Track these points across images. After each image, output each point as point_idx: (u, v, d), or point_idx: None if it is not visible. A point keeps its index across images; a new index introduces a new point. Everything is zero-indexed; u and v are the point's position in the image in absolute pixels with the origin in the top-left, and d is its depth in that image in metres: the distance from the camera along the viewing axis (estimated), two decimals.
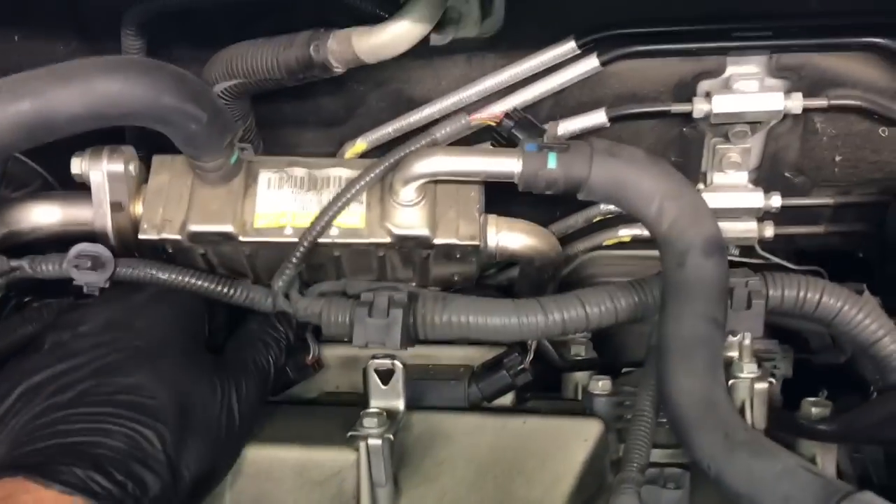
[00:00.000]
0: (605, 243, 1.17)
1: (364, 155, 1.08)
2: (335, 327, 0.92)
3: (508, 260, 1.00)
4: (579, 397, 1.08)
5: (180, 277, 0.94)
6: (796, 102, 0.97)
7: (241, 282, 0.97)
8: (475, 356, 1.04)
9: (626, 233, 1.15)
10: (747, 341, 0.89)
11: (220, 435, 0.86)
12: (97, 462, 0.73)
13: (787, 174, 1.09)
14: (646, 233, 1.13)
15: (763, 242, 1.13)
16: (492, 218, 0.98)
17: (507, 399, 1.00)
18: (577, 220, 1.15)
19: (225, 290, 0.95)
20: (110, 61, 0.79)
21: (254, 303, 0.96)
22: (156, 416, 0.80)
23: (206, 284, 0.95)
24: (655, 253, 1.10)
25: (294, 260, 0.91)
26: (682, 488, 0.77)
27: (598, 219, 1.14)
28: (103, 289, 0.92)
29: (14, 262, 0.92)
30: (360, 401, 0.95)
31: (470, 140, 1.01)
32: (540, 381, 1.07)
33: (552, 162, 0.86)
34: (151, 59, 0.90)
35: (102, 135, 0.93)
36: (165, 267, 0.94)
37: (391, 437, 0.84)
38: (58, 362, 0.83)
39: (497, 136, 0.94)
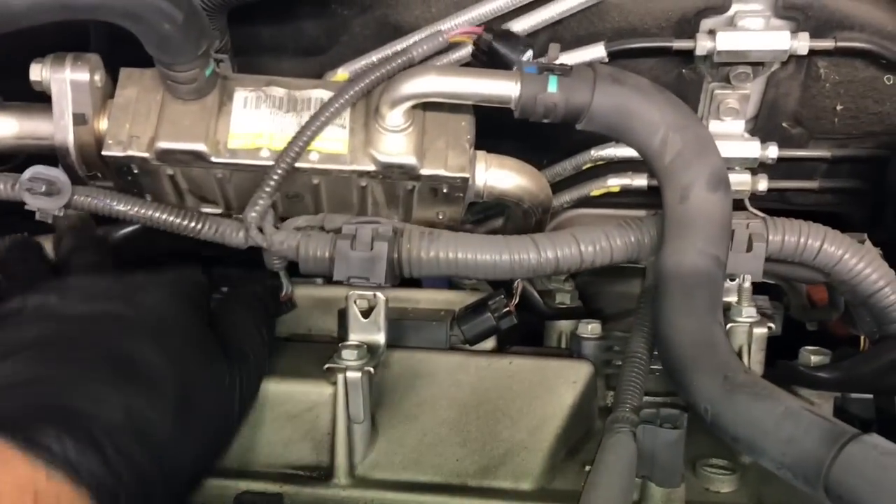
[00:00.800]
0: (592, 194, 1.13)
1: None
2: (314, 262, 0.86)
3: (496, 200, 0.95)
4: (563, 346, 1.04)
5: (143, 211, 0.87)
6: (802, 43, 0.93)
7: (209, 215, 0.90)
8: (456, 300, 0.99)
9: (614, 182, 1.11)
10: (747, 284, 0.85)
11: (220, 423, 0.77)
12: (89, 433, 0.59)
13: (784, 124, 1.05)
14: (636, 182, 1.10)
15: (754, 197, 1.09)
16: (481, 154, 0.93)
17: (489, 345, 0.95)
18: (565, 167, 1.10)
19: (192, 224, 0.88)
20: None
21: (224, 237, 0.89)
22: (160, 394, 0.68)
23: (170, 218, 0.88)
24: (638, 212, 1.08)
25: (269, 187, 0.85)
26: (680, 429, 0.72)
27: (587, 166, 1.10)
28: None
29: None
30: (333, 341, 0.90)
31: None
32: (521, 331, 1.03)
33: (553, 86, 0.81)
34: None
35: (63, 48, 0.87)
36: (126, 198, 0.88)
37: (371, 370, 0.78)
38: (45, 321, 0.70)
39: (478, 54, 0.89)
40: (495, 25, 0.96)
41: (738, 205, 1.09)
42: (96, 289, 0.76)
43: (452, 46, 0.95)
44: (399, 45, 0.99)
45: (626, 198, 1.13)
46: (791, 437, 0.67)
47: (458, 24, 0.96)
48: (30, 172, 0.83)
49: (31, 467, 0.55)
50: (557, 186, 1.13)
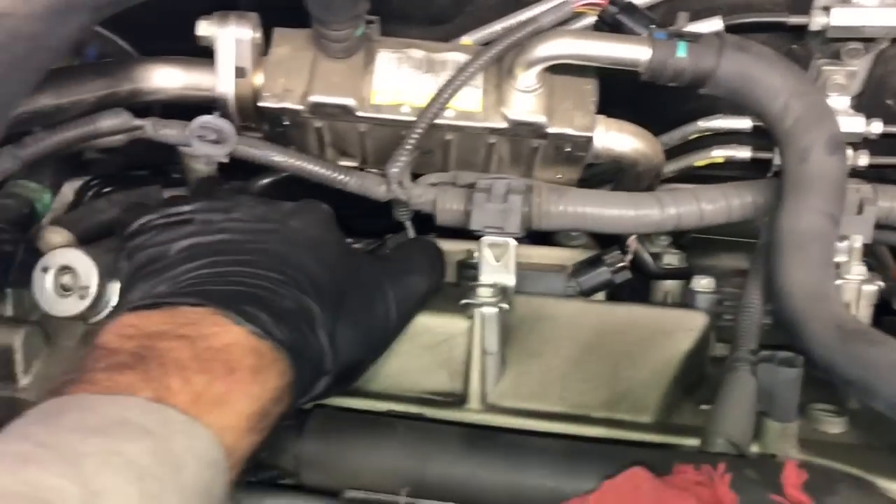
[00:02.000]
0: (696, 164, 1.18)
1: None
2: (450, 214, 0.93)
3: (612, 162, 1.01)
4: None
5: (297, 162, 0.95)
6: None
7: (354, 170, 0.98)
8: (568, 257, 1.05)
9: (719, 153, 1.16)
10: (857, 244, 0.90)
11: (373, 333, 0.82)
12: (278, 314, 0.69)
13: (889, 101, 1.09)
14: (740, 154, 1.15)
15: (854, 174, 1.13)
16: (601, 117, 0.98)
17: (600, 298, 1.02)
18: (672, 136, 1.15)
19: (339, 176, 0.96)
20: None
21: (367, 189, 0.97)
22: (320, 294, 0.74)
23: (321, 170, 0.96)
24: None
25: (409, 146, 0.92)
26: (798, 367, 0.78)
27: (694, 136, 1.15)
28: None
29: (137, 121, 0.93)
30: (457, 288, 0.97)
31: None
32: (627, 293, 1.09)
33: (682, 51, 0.87)
34: None
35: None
36: (283, 150, 0.96)
37: (506, 306, 0.85)
38: (217, 233, 0.76)
39: (601, 25, 0.95)
40: None
41: None
42: (254, 211, 0.80)
43: (577, 16, 1.01)
44: (522, 16, 1.05)
45: (728, 171, 1.18)
46: None
47: None
48: (200, 121, 0.91)
49: (246, 332, 0.66)
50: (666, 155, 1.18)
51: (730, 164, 1.16)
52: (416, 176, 1.02)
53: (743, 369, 0.78)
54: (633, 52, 0.89)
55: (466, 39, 1.08)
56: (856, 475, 0.73)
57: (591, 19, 1.00)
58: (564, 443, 0.74)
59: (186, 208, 0.79)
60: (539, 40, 0.91)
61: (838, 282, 0.89)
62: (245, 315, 0.66)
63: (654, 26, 0.92)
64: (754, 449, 0.80)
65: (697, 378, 0.89)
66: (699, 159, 1.17)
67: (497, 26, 1.07)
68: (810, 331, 0.80)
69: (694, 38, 0.87)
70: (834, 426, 0.83)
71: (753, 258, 0.92)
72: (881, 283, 0.89)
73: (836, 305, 0.82)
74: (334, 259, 0.80)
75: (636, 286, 1.12)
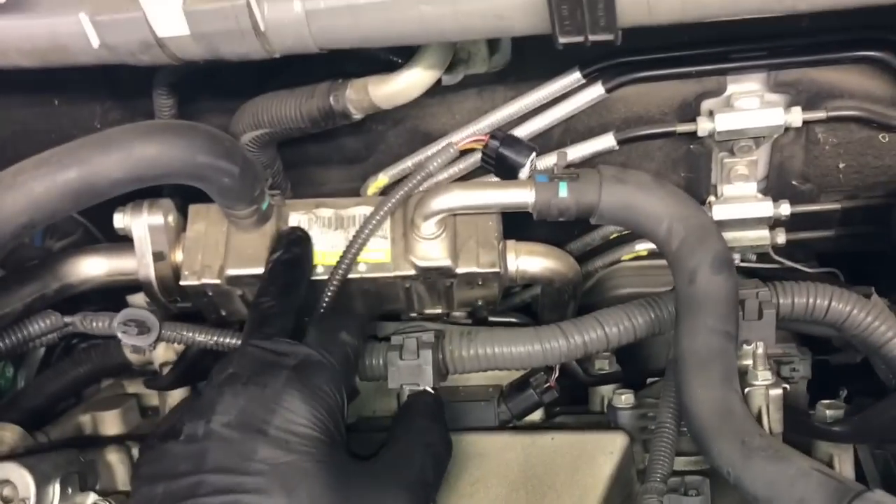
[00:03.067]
0: (623, 258, 1.22)
1: (386, 188, 1.13)
2: (372, 370, 0.99)
3: (529, 282, 1.05)
4: (605, 410, 1.12)
5: (222, 339, 1.00)
6: (796, 116, 1.00)
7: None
8: (503, 375, 1.08)
9: (642, 247, 1.19)
10: (760, 350, 0.93)
11: None
12: None
13: (794, 182, 1.12)
14: None
15: (778, 248, 1.16)
16: (511, 244, 1.03)
17: (537, 415, 1.05)
18: (594, 237, 1.19)
19: None
20: (147, 127, 0.85)
21: None
22: None
23: None
24: None
25: (325, 305, 0.96)
26: (703, 494, 0.81)
27: (614, 235, 1.18)
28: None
29: (67, 319, 0.99)
30: None
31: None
32: (568, 396, 1.12)
33: (563, 191, 0.91)
34: (184, 121, 0.96)
35: (140, 189, 1.00)
36: (207, 330, 1.01)
37: None
38: (186, 463, 0.73)
39: (486, 159, 0.99)
40: (512, 126, 1.07)
41: (764, 257, 1.18)
42: (234, 410, 0.75)
43: (465, 153, 1.06)
44: (431, 150, 1.10)
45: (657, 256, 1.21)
46: (802, 497, 0.74)
47: (479, 128, 1.07)
48: (123, 315, 0.97)
49: None
50: (590, 253, 1.22)
51: (656, 253, 1.20)
52: None
53: (651, 501, 0.81)
54: (518, 196, 0.93)
55: (382, 177, 1.13)
56: None
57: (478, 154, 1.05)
58: None
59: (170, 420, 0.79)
60: (432, 194, 0.95)
61: (745, 389, 0.92)
62: None
63: (530, 161, 0.96)
64: None
65: (625, 498, 0.92)
66: (625, 253, 1.21)
67: (408, 162, 1.12)
68: (717, 449, 0.83)
69: (574, 177, 0.91)
70: None
71: (665, 373, 0.95)
72: (786, 387, 0.92)
73: (740, 420, 0.84)
74: (317, 489, 0.73)
75: (576, 390, 1.16)
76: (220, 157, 0.85)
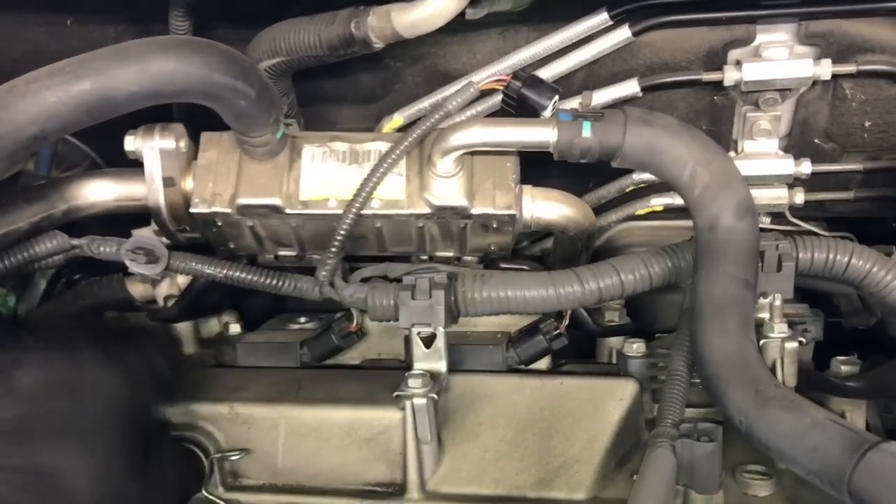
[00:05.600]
0: (637, 213, 1.20)
1: (401, 129, 1.11)
2: (381, 311, 0.96)
3: (543, 230, 1.03)
4: (613, 362, 1.11)
5: (230, 272, 0.98)
6: (825, 69, 0.98)
7: (288, 274, 1.01)
8: (511, 323, 1.07)
9: (658, 202, 1.18)
10: (778, 302, 0.92)
11: None
12: None
13: (816, 141, 1.10)
14: (678, 201, 1.17)
15: (794, 209, 1.15)
16: (527, 188, 1.01)
17: (543, 364, 1.04)
18: (609, 190, 1.17)
19: (273, 282, 1.00)
20: (164, 41, 0.83)
21: (302, 293, 1.00)
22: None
23: (255, 278, 0.99)
24: (686, 223, 1.15)
25: (336, 246, 0.95)
26: (715, 441, 0.80)
27: (630, 188, 1.16)
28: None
29: (74, 241, 0.97)
30: (401, 367, 0.99)
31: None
32: (575, 348, 1.11)
33: (587, 130, 0.89)
34: (203, 38, 0.93)
35: (150, 115, 0.98)
36: (215, 262, 0.99)
37: (435, 396, 0.88)
38: None
39: (507, 100, 0.97)
40: (534, 69, 1.04)
41: (778, 217, 1.17)
42: (41, 372, 0.79)
43: (485, 95, 1.03)
44: (448, 90, 1.08)
45: (671, 214, 1.20)
46: (817, 446, 0.73)
47: (500, 69, 1.05)
48: (132, 242, 0.95)
49: None
50: (605, 206, 1.20)
51: (670, 210, 1.18)
52: (353, 259, 1.06)
53: (662, 446, 0.80)
54: (540, 135, 0.91)
55: (398, 117, 1.11)
56: None
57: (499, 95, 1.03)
58: None
59: None
60: (452, 130, 0.93)
61: (761, 341, 0.91)
62: None
63: (553, 103, 0.94)
64: None
65: (633, 445, 0.91)
66: (639, 208, 1.19)
67: (425, 102, 1.10)
68: (730, 397, 0.82)
69: (598, 117, 0.89)
70: (762, 489, 0.85)
71: (679, 323, 0.94)
72: (803, 340, 0.90)
73: (755, 370, 0.83)
74: (109, 456, 0.77)
75: (582, 341, 1.15)
76: (237, 77, 0.83)
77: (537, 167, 1.01)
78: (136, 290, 1.18)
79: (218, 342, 1.11)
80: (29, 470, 0.72)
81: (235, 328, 1.12)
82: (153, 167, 0.97)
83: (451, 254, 1.08)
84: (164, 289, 1.15)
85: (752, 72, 1.00)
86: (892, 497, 0.67)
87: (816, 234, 1.14)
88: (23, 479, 0.70)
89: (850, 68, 0.99)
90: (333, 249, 0.94)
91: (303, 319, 1.17)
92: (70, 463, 0.74)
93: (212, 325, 1.20)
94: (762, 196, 1.12)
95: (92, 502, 0.73)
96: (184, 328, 1.15)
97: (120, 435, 0.79)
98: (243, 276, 0.97)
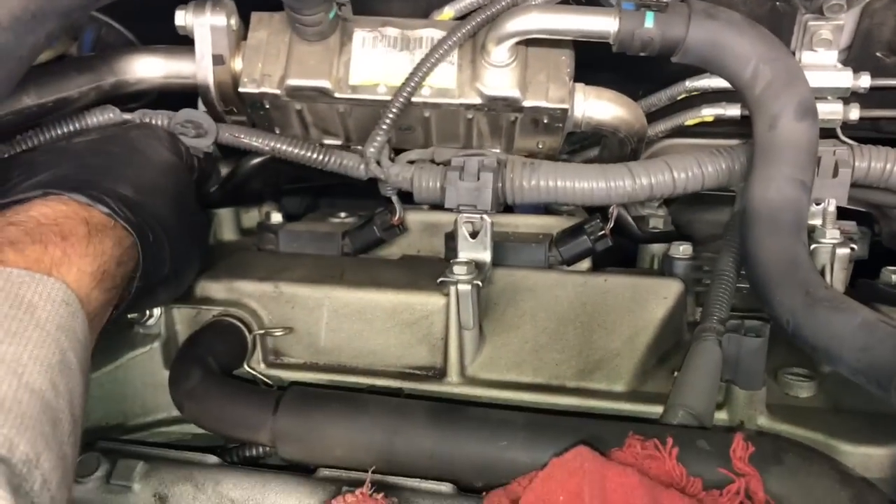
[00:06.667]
0: (687, 123, 1.17)
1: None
2: (426, 192, 0.95)
3: (594, 130, 1.01)
4: (656, 268, 1.10)
5: (278, 144, 0.98)
6: None
7: (334, 149, 1.00)
8: (553, 225, 1.07)
9: (708, 112, 1.15)
10: (832, 208, 0.90)
11: (201, 244, 0.96)
12: (124, 199, 0.78)
13: (878, 54, 1.07)
14: (729, 112, 1.14)
15: (846, 127, 1.12)
16: (580, 86, 0.99)
17: (585, 266, 1.03)
18: (660, 97, 1.15)
19: (320, 157, 0.99)
20: None
21: (347, 169, 0.99)
22: (161, 185, 0.86)
23: (301, 152, 0.98)
24: (732, 142, 1.13)
25: (385, 126, 0.93)
26: (763, 337, 0.79)
27: (682, 96, 1.14)
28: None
29: (126, 115, 0.96)
30: (441, 263, 0.99)
31: None
32: (616, 255, 1.10)
33: (649, 21, 0.87)
34: None
35: None
36: (264, 134, 0.98)
37: (479, 283, 0.88)
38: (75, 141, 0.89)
39: None
40: None
41: (829, 133, 1.14)
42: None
43: None
44: None
45: (719, 127, 1.17)
46: (866, 346, 0.72)
47: None
48: (182, 116, 0.94)
49: (86, 207, 0.75)
50: (653, 116, 1.18)
51: (720, 121, 1.16)
52: (399, 151, 1.04)
53: (709, 339, 0.80)
54: (601, 24, 0.89)
55: (448, 10, 1.08)
56: (806, 443, 0.74)
57: None
58: (526, 416, 0.76)
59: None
60: (508, 16, 0.91)
61: (812, 246, 0.89)
62: (84, 194, 0.75)
63: None
64: (723, 416, 0.82)
65: (674, 345, 0.91)
66: (689, 118, 1.17)
67: None
68: (779, 298, 0.81)
69: (662, 7, 0.87)
70: (803, 390, 0.85)
71: (728, 224, 0.93)
72: (854, 247, 0.89)
73: (805, 272, 0.82)
74: (176, 162, 0.92)
75: (624, 249, 1.14)
76: None
77: (589, 70, 0.99)
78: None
79: (259, 231, 1.11)
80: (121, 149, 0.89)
81: (277, 217, 1.12)
82: (203, 44, 0.96)
83: (498, 150, 1.06)
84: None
85: None
86: None
87: None
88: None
89: None
90: (384, 126, 0.93)
91: (343, 214, 1.16)
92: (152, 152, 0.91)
93: (252, 215, 1.20)
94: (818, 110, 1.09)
95: (169, 185, 0.89)
96: (224, 214, 1.15)
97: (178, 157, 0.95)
98: (290, 148, 0.97)
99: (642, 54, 0.90)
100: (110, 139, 0.89)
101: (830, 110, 1.09)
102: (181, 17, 0.96)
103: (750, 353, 0.79)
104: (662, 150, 1.26)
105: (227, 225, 1.15)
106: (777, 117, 0.85)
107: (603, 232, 1.00)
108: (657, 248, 1.10)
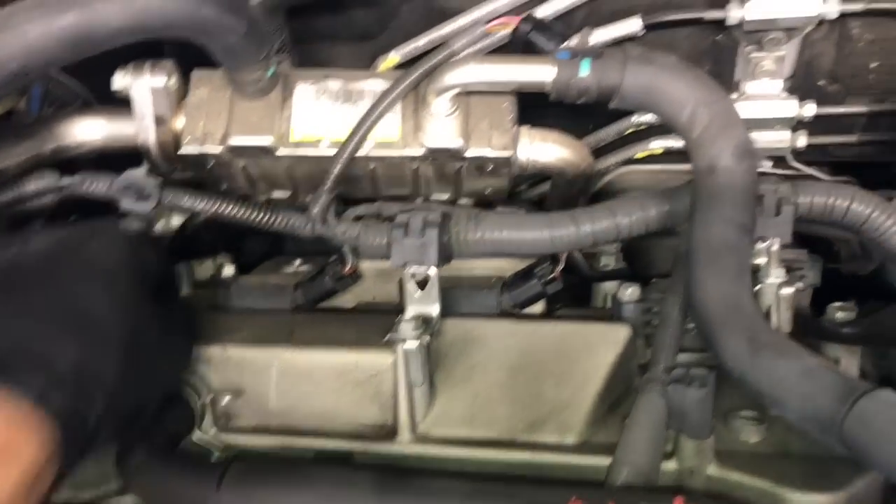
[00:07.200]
0: (636, 156, 1.18)
1: (398, 68, 1.08)
2: (373, 250, 0.95)
3: (540, 172, 1.01)
4: (609, 307, 1.10)
5: (222, 207, 0.97)
6: (832, 7, 0.95)
7: (280, 209, 1.00)
8: (506, 267, 1.06)
9: (657, 145, 1.16)
10: (775, 247, 0.90)
11: (170, 361, 0.88)
12: (52, 373, 0.68)
13: (821, 82, 1.08)
14: (678, 144, 1.15)
15: (796, 153, 1.13)
16: (524, 129, 0.99)
17: (538, 309, 1.03)
18: (608, 132, 1.15)
19: (265, 217, 0.98)
20: None
21: (294, 228, 0.99)
22: (106, 336, 0.74)
23: (246, 212, 0.98)
24: (686, 166, 1.13)
25: (329, 185, 0.93)
26: (707, 386, 0.79)
27: (630, 131, 1.14)
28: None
29: (65, 180, 0.96)
30: (396, 310, 0.98)
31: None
32: (570, 293, 1.10)
33: (585, 69, 0.87)
34: None
35: (140, 53, 0.96)
36: (208, 197, 0.98)
37: (427, 340, 0.87)
38: (5, 268, 0.77)
39: (515, 42, 0.94)
40: (535, 5, 1.01)
41: (780, 160, 1.15)
42: (53, 237, 0.82)
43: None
44: (446, 28, 1.05)
45: (671, 157, 1.18)
46: (809, 393, 0.73)
47: (499, 6, 1.01)
48: (123, 180, 0.94)
49: (16, 402, 0.63)
50: (604, 150, 1.18)
51: (670, 153, 1.16)
52: (346, 201, 1.04)
53: (653, 391, 0.80)
54: (537, 73, 0.89)
55: (394, 56, 1.08)
56: (752, 495, 0.75)
57: (506, 32, 1.00)
58: (470, 484, 0.76)
59: None
60: (447, 68, 0.91)
61: (757, 286, 0.90)
62: (15, 380, 0.64)
63: (564, 43, 0.92)
64: (672, 466, 0.82)
65: (624, 390, 0.91)
66: (638, 151, 1.18)
67: (422, 40, 1.07)
68: (723, 343, 0.81)
69: (597, 55, 0.87)
70: (753, 435, 0.85)
71: (674, 267, 0.93)
72: (800, 286, 0.89)
73: (749, 316, 0.82)
74: (130, 290, 0.80)
75: (577, 286, 1.14)
76: (226, 10, 0.81)
77: (536, 109, 0.99)
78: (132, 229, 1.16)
79: (212, 284, 1.10)
80: (56, 303, 0.74)
81: (229, 270, 1.11)
82: (143, 105, 0.96)
83: (446, 196, 1.06)
84: (161, 229, 1.14)
85: (755, 10, 0.97)
86: (883, 444, 0.67)
87: (817, 179, 1.13)
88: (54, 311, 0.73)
89: (857, 6, 0.96)
90: (329, 184, 0.92)
91: (298, 262, 1.16)
92: (96, 297, 0.77)
93: (206, 267, 1.19)
94: (764, 139, 1.10)
95: (119, 332, 0.76)
96: (177, 269, 1.14)
97: (135, 277, 0.83)
98: (235, 210, 0.96)
99: (580, 101, 0.90)
100: (55, 269, 0.78)
101: (779, 138, 1.11)
102: (119, 80, 0.96)
103: (695, 404, 0.80)
104: (619, 178, 1.26)
105: (179, 280, 1.14)
106: (715, 160, 0.85)
107: (553, 275, 1.00)
108: (609, 286, 1.10)
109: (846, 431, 0.69)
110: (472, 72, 0.90)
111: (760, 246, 0.92)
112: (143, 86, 0.95)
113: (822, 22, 0.99)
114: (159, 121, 0.96)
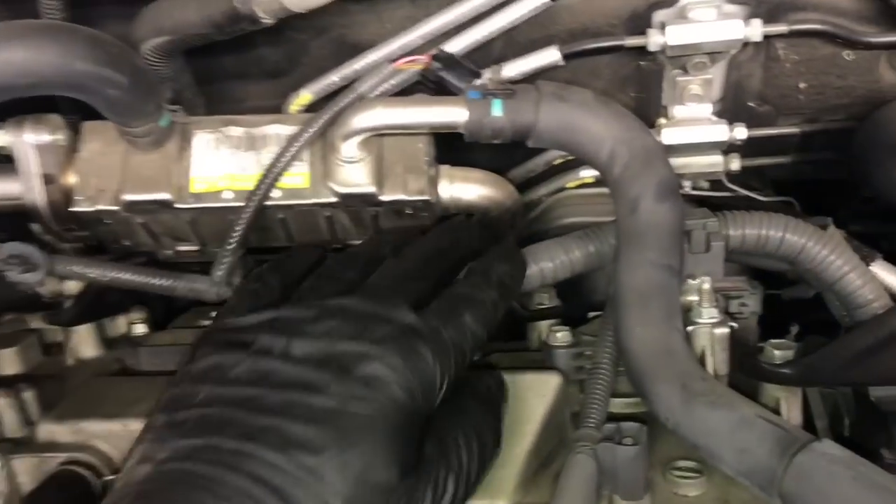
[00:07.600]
0: (568, 186, 1.13)
1: (311, 106, 1.03)
2: None
3: (464, 212, 0.96)
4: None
5: (118, 274, 0.90)
6: (755, 29, 0.91)
7: (181, 274, 0.93)
8: None
9: (587, 174, 1.11)
10: (707, 285, 0.86)
11: None
12: None
13: (751, 104, 1.04)
14: None
15: (732, 175, 1.09)
16: (444, 169, 0.94)
17: None
18: (537, 163, 1.11)
19: (165, 283, 0.91)
20: (17, 28, 0.74)
21: (198, 294, 0.92)
22: None
23: (143, 279, 0.91)
24: None
25: (232, 245, 0.88)
26: (639, 444, 0.75)
27: (558, 161, 1.10)
28: None
29: None
30: None
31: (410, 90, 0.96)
32: (506, 331, 1.05)
33: (497, 109, 0.82)
34: (62, 22, 0.84)
35: (34, 103, 0.89)
36: (102, 264, 0.91)
37: None
38: (245, 385, 0.64)
39: (425, 80, 0.90)
40: (448, 38, 0.96)
41: (716, 184, 1.11)
42: (315, 347, 0.67)
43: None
44: (359, 63, 0.99)
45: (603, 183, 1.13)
46: (745, 447, 0.69)
47: (412, 39, 0.96)
48: (6, 250, 0.86)
49: None
50: (534, 181, 1.14)
51: (600, 182, 1.12)
52: (261, 251, 0.98)
53: (583, 451, 0.75)
54: (448, 115, 0.84)
55: (305, 93, 1.03)
56: None
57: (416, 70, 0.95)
58: None
59: (247, 323, 0.70)
60: (352, 112, 0.86)
61: (689, 328, 0.85)
62: None
63: (477, 81, 0.87)
64: None
65: (556, 444, 0.86)
66: (570, 181, 1.13)
67: (334, 76, 1.01)
68: (655, 393, 0.77)
69: (509, 94, 0.82)
70: (692, 488, 0.80)
71: (605, 310, 0.88)
72: (734, 325, 0.85)
73: (681, 362, 0.78)
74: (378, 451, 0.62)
75: (514, 326, 1.09)
76: (103, 64, 0.75)
77: (462, 143, 0.94)
78: (45, 287, 1.09)
79: (120, 346, 1.03)
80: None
81: (140, 328, 1.04)
82: (28, 164, 0.89)
83: None
84: (73, 286, 1.06)
85: (677, 35, 0.92)
86: (823, 502, 0.63)
87: (756, 201, 1.09)
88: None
89: (781, 28, 0.92)
90: (230, 247, 0.87)
91: (214, 315, 1.09)
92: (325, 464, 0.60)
93: (118, 324, 1.11)
94: (696, 164, 1.06)
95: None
96: (84, 331, 1.07)
97: None
98: (132, 278, 0.89)
99: (495, 142, 0.85)
100: None
101: (711, 162, 1.07)
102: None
103: (627, 463, 0.75)
104: (554, 204, 1.21)
105: (86, 342, 1.06)
106: (637, 200, 0.81)
107: None
108: (544, 325, 1.05)
109: (785, 489, 0.65)
110: (380, 115, 0.85)
111: (691, 283, 0.88)
112: (24, 142, 0.88)
113: (746, 44, 0.95)
114: (48, 179, 0.89)
